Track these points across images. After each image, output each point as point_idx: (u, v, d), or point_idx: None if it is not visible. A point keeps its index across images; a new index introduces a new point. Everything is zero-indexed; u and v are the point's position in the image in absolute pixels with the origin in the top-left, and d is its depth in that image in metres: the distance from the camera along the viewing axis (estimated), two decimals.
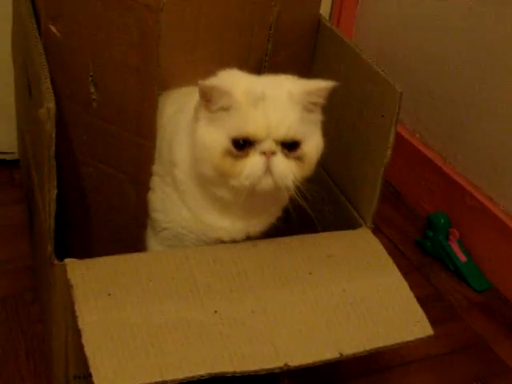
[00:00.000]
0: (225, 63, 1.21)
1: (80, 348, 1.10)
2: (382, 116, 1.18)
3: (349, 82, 1.28)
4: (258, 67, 1.30)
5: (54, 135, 0.99)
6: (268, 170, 1.04)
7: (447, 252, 1.65)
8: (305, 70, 1.36)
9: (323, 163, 1.28)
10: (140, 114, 1.18)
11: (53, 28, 1.19)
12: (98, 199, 1.29)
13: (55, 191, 1.03)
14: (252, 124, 1.04)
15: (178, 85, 1.27)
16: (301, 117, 1.07)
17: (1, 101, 1.68)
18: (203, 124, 1.07)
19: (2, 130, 1.72)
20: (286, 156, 1.06)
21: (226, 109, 1.05)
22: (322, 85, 1.09)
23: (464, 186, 1.69)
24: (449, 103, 1.73)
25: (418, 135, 1.82)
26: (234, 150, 1.04)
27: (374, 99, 1.22)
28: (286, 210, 1.20)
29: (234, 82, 1.08)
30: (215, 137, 1.06)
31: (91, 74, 1.18)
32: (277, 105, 1.06)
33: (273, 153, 1.04)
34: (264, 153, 1.04)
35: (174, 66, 1.24)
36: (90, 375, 1.11)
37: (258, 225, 1.17)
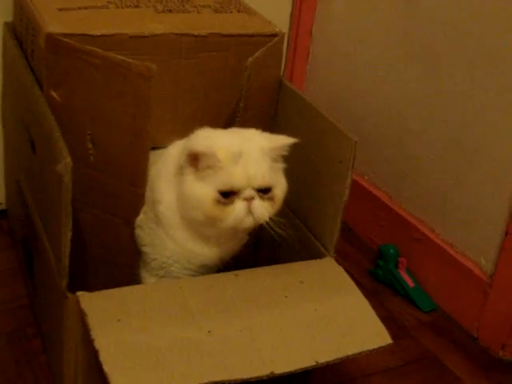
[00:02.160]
0: (200, 120, 1.42)
1: (89, 371, 1.27)
2: (340, 162, 1.38)
3: (309, 134, 1.47)
4: (229, 122, 1.48)
5: (71, 186, 1.16)
6: (249, 211, 1.27)
7: (397, 279, 1.80)
8: (269, 124, 1.56)
9: (289, 203, 1.49)
10: (134, 165, 1.36)
11: (54, 94, 1.36)
12: (94, 240, 1.45)
13: (70, 233, 1.20)
14: (235, 178, 1.26)
15: (161, 139, 1.45)
16: (270, 166, 1.30)
17: None
18: (191, 179, 1.28)
19: None
20: (262, 198, 1.29)
21: (211, 167, 1.26)
22: (286, 141, 1.32)
23: (409, 220, 1.85)
24: (393, 149, 1.90)
25: (366, 177, 2.01)
26: (221, 198, 1.26)
27: (332, 148, 1.41)
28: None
29: (214, 143, 1.29)
30: (205, 190, 1.27)
31: (89, 132, 1.36)
32: (252, 159, 1.28)
33: (252, 198, 1.26)
34: (245, 199, 1.26)
35: (157, 123, 1.41)
36: None
37: (229, 249, 1.40)
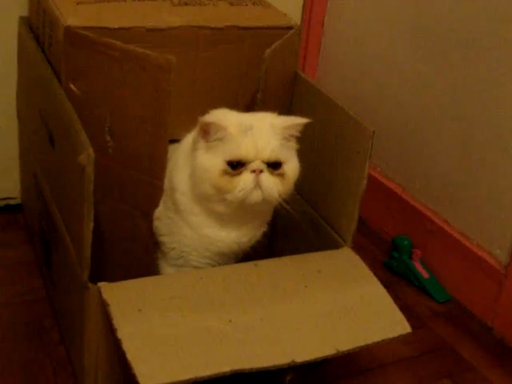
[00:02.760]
0: None
1: (109, 361, 1.28)
2: (358, 152, 1.39)
3: (325, 125, 1.49)
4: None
5: (93, 177, 1.17)
6: (257, 184, 1.28)
7: (411, 270, 1.82)
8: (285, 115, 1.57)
9: (306, 194, 1.50)
10: (153, 157, 1.37)
11: (73, 87, 1.37)
12: (112, 232, 1.46)
13: (92, 224, 1.21)
14: (243, 148, 1.27)
15: (178, 131, 1.45)
16: (281, 143, 1.31)
17: (6, 153, 1.84)
18: (202, 152, 1.30)
19: (8, 177, 1.87)
20: (271, 173, 1.29)
21: (221, 139, 1.28)
22: (297, 121, 1.33)
23: (423, 212, 1.86)
24: (406, 140, 1.91)
25: (379, 169, 2.02)
26: (229, 169, 1.27)
27: (348, 138, 1.43)
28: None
29: (227, 117, 1.31)
30: (213, 161, 1.28)
31: (108, 124, 1.37)
32: (262, 133, 1.29)
33: (261, 171, 1.28)
34: (254, 171, 1.27)
35: (174, 116, 1.42)
36: None
37: (247, 235, 1.40)
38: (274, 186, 1.29)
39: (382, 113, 1.97)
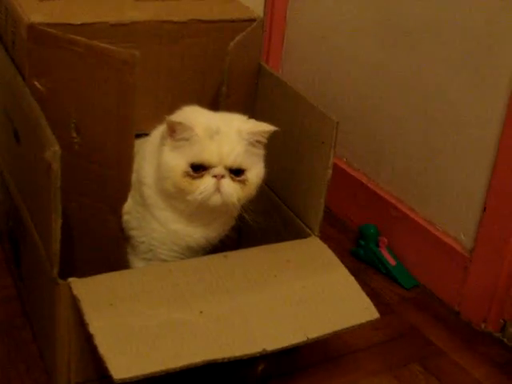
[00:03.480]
0: (181, 105, 1.43)
1: (82, 357, 1.29)
2: (323, 142, 1.41)
3: (290, 116, 1.50)
4: (211, 107, 1.50)
5: (59, 173, 1.18)
6: (217, 189, 1.29)
7: (378, 258, 1.84)
8: (250, 108, 1.59)
9: (273, 186, 1.52)
10: (119, 152, 1.37)
11: (37, 84, 1.36)
12: (81, 228, 1.46)
13: (60, 221, 1.21)
14: (207, 153, 1.29)
15: (143, 125, 1.46)
16: (246, 150, 1.32)
17: None
18: (168, 149, 1.31)
19: None
20: (233, 179, 1.31)
21: (187, 139, 1.29)
22: (264, 128, 1.34)
23: (388, 200, 1.88)
24: (370, 129, 1.93)
25: (344, 159, 2.04)
26: (191, 172, 1.29)
27: (313, 129, 1.44)
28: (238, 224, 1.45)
29: (196, 117, 1.32)
30: (177, 161, 1.29)
31: (73, 120, 1.37)
32: (228, 139, 1.30)
33: (222, 176, 1.29)
34: (215, 176, 1.29)
35: (139, 110, 1.42)
36: (89, 381, 1.31)
37: (215, 230, 1.41)
38: (233, 192, 1.31)
39: (346, 104, 1.99)
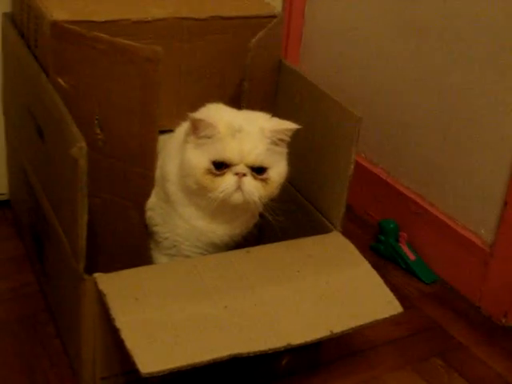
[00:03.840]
0: (203, 102, 1.44)
1: (107, 351, 1.30)
2: (345, 138, 1.41)
3: (311, 112, 1.51)
4: (232, 104, 1.51)
5: (86, 169, 1.19)
6: (239, 187, 1.29)
7: (398, 253, 1.84)
8: (271, 104, 1.59)
9: (294, 182, 1.52)
10: (142, 148, 1.38)
11: (61, 81, 1.38)
12: (104, 224, 1.47)
13: (86, 216, 1.22)
14: (229, 151, 1.29)
15: (165, 122, 1.47)
16: (268, 148, 1.32)
17: None
18: (191, 147, 1.32)
19: None
20: (254, 178, 1.31)
21: (209, 137, 1.30)
22: (287, 126, 1.34)
23: (408, 195, 1.88)
24: (389, 125, 1.93)
25: (363, 154, 2.04)
26: (213, 169, 1.29)
27: (335, 124, 1.45)
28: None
29: (218, 115, 1.32)
30: (199, 158, 1.30)
31: (97, 117, 1.38)
32: (250, 137, 1.30)
33: (244, 174, 1.29)
34: (237, 174, 1.29)
35: (161, 107, 1.43)
36: (114, 375, 1.32)
37: (238, 228, 1.42)
38: (255, 190, 1.31)
39: (364, 100, 1.99)
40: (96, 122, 1.38)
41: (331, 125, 1.45)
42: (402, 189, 1.92)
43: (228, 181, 1.30)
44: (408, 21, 1.82)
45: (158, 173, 1.40)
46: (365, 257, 1.41)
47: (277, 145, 1.33)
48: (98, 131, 1.39)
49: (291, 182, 1.56)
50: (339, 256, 1.39)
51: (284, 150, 1.36)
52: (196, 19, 1.46)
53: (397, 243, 1.86)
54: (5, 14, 1.67)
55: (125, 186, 1.43)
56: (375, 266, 1.40)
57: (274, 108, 1.57)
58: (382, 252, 1.89)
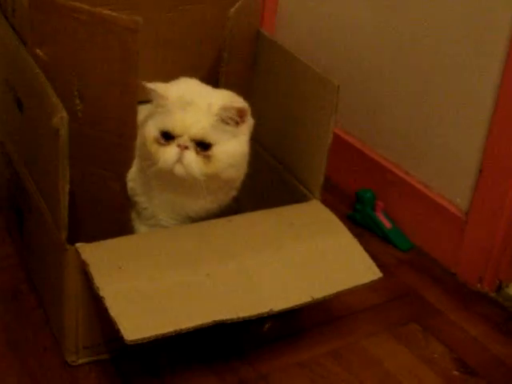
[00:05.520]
0: (182, 73, 1.45)
1: (89, 321, 1.31)
2: (323, 107, 1.43)
3: (290, 81, 1.52)
4: (211, 74, 1.52)
5: (67, 139, 1.19)
6: (179, 160, 1.30)
7: (375, 221, 1.86)
8: (250, 74, 1.60)
9: (273, 151, 1.54)
10: (122, 118, 1.38)
11: (39, 52, 1.37)
12: (85, 195, 1.47)
13: (68, 186, 1.23)
14: (173, 122, 1.31)
15: (143, 92, 1.46)
16: (215, 125, 1.32)
17: None
18: (150, 116, 1.35)
19: None
20: (197, 153, 1.31)
21: (161, 107, 1.32)
22: (234, 104, 1.34)
23: (384, 164, 1.90)
24: (364, 95, 1.95)
25: (339, 125, 2.05)
26: (160, 139, 1.32)
27: (313, 93, 1.46)
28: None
29: (173, 87, 1.35)
30: (151, 127, 1.34)
31: (76, 88, 1.38)
32: (196, 111, 1.32)
33: (186, 147, 1.31)
34: (179, 146, 1.30)
35: (141, 77, 1.42)
36: (97, 344, 1.33)
37: (215, 201, 1.42)
38: (195, 165, 1.31)
39: (340, 69, 1.99)
40: (76, 92, 1.38)
41: (310, 94, 1.46)
42: (378, 158, 1.94)
43: (169, 151, 1.31)
44: None
45: (137, 142, 1.40)
46: None
47: (227, 123, 1.33)
48: (78, 102, 1.39)
49: (270, 151, 1.58)
50: (319, 224, 1.41)
51: (236, 130, 1.35)
52: None
53: (373, 212, 1.88)
54: None
55: (105, 156, 1.43)
56: (352, 235, 1.42)
57: (252, 78, 1.58)
58: (358, 221, 1.90)
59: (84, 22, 1.31)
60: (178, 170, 1.31)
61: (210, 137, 1.31)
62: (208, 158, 1.31)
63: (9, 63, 1.46)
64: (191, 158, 1.31)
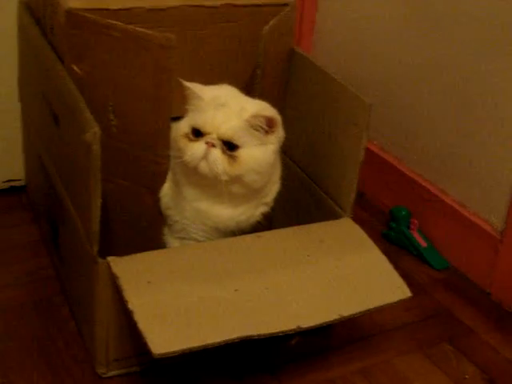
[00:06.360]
0: None
1: (119, 333, 1.32)
2: (355, 124, 1.43)
3: (323, 99, 1.52)
4: (244, 92, 1.52)
5: (99, 154, 1.21)
6: (205, 156, 1.33)
7: (409, 239, 1.85)
8: (283, 91, 1.61)
9: (305, 168, 1.54)
10: (155, 135, 1.40)
11: (75, 68, 1.39)
12: (118, 209, 1.49)
13: (100, 200, 1.25)
14: (203, 119, 1.34)
15: (179, 108, 1.48)
16: (244, 128, 1.34)
17: (9, 137, 1.87)
18: (185, 114, 1.38)
19: (11, 160, 1.90)
20: (223, 152, 1.33)
21: (195, 105, 1.36)
22: (263, 112, 1.36)
23: (419, 182, 1.89)
24: (400, 112, 1.95)
25: (375, 142, 2.06)
26: (190, 135, 1.35)
27: (346, 111, 1.46)
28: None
29: (210, 89, 1.38)
30: (183, 124, 1.38)
31: (111, 103, 1.40)
32: (228, 112, 1.34)
33: (213, 145, 1.33)
34: (207, 143, 1.32)
35: (175, 92, 1.44)
36: (127, 357, 1.34)
37: (244, 213, 1.43)
38: (219, 163, 1.33)
39: (377, 87, 2.00)
40: (110, 108, 1.40)
41: (342, 112, 1.47)
42: (414, 176, 1.93)
43: (197, 147, 1.33)
44: (423, 9, 1.83)
45: (171, 157, 1.42)
46: (376, 244, 1.43)
47: (256, 130, 1.35)
48: (112, 117, 1.41)
49: (302, 168, 1.58)
50: (349, 241, 1.41)
51: (264, 138, 1.36)
52: (209, 7, 1.48)
53: (408, 230, 1.87)
54: (21, 2, 1.70)
55: (138, 171, 1.45)
56: (386, 253, 1.42)
57: (285, 95, 1.59)
58: (393, 239, 1.90)
59: (118, 39, 1.33)
60: (203, 166, 1.33)
61: (238, 139, 1.33)
62: (233, 159, 1.33)
63: (46, 78, 1.49)
64: (217, 155, 1.32)
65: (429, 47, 1.83)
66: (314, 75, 1.55)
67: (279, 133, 1.39)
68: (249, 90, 1.51)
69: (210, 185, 1.36)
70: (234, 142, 1.33)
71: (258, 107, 1.37)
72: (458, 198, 1.81)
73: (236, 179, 1.35)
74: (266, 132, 1.35)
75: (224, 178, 1.33)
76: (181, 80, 1.36)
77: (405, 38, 1.90)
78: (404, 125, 1.95)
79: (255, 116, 1.34)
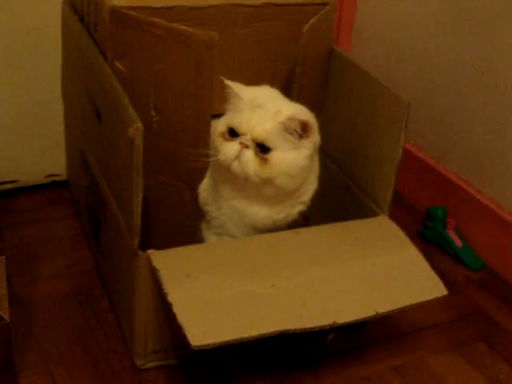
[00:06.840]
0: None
1: (158, 325, 1.35)
2: (393, 123, 1.44)
3: (361, 97, 1.54)
4: (283, 91, 1.53)
5: (142, 149, 1.23)
6: (238, 157, 1.34)
7: (445, 239, 1.86)
8: (322, 90, 1.62)
9: (343, 166, 1.55)
10: (196, 131, 1.43)
11: (118, 64, 1.42)
12: (158, 204, 1.52)
13: (142, 194, 1.27)
14: (239, 119, 1.35)
15: (219, 106, 1.50)
16: (278, 131, 1.34)
17: (51, 132, 1.91)
18: (224, 112, 1.40)
19: (53, 156, 1.94)
20: (256, 153, 1.34)
21: (235, 105, 1.37)
22: (297, 116, 1.35)
23: (456, 182, 1.89)
24: (438, 112, 1.95)
25: (412, 141, 2.06)
26: (226, 134, 1.37)
27: (384, 110, 1.47)
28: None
29: (249, 90, 1.39)
30: (221, 122, 1.39)
31: (152, 100, 1.43)
32: (263, 114, 1.35)
33: (246, 146, 1.34)
34: (241, 143, 1.34)
35: (216, 91, 1.45)
36: (165, 349, 1.37)
37: (281, 212, 1.44)
38: (251, 164, 1.34)
39: (414, 87, 2.00)
40: (151, 104, 1.43)
41: (380, 110, 1.48)
42: (450, 175, 1.93)
43: (231, 147, 1.35)
44: (463, 11, 1.82)
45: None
46: (413, 242, 1.43)
47: (290, 134, 1.35)
48: (154, 114, 1.43)
49: (340, 166, 1.59)
50: (386, 239, 1.42)
51: (298, 142, 1.36)
52: (250, 6, 1.49)
53: (444, 230, 1.87)
54: (65, 1, 1.73)
55: (178, 167, 1.47)
56: (422, 252, 1.42)
57: (324, 94, 1.60)
58: (429, 238, 1.90)
59: (161, 36, 1.36)
60: (235, 166, 1.35)
61: (271, 141, 1.34)
62: (265, 161, 1.34)
63: (89, 75, 1.52)
64: (249, 157, 1.34)
65: (468, 47, 1.83)
66: (353, 74, 1.56)
67: (314, 137, 1.38)
68: (288, 88, 1.52)
69: (244, 185, 1.38)
70: (267, 144, 1.34)
71: (294, 110, 1.37)
72: (495, 197, 1.81)
73: (267, 181, 1.36)
74: (301, 136, 1.35)
75: (255, 179, 1.35)
76: (223, 78, 1.37)
77: (443, 37, 1.90)
78: (441, 125, 1.95)
79: (290, 119, 1.34)
